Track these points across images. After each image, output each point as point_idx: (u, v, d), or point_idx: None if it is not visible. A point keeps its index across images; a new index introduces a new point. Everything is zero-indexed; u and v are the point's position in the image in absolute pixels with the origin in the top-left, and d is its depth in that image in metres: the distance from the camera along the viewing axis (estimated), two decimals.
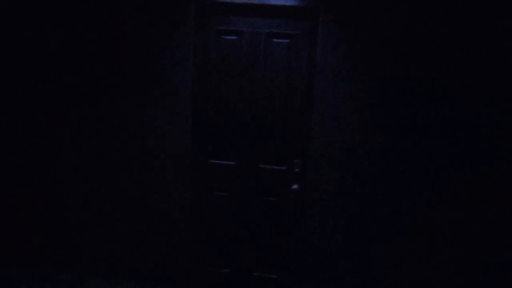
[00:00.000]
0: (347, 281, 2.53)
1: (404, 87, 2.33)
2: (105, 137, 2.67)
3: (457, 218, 2.39)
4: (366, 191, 2.41)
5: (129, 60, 2.57)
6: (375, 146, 2.39)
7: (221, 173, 2.61)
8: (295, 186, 2.46)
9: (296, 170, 2.48)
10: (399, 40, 2.31)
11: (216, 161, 2.61)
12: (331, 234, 2.48)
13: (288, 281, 2.65)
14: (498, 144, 2.31)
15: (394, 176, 2.39)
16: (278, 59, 2.48)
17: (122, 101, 2.62)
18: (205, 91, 2.58)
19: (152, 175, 2.64)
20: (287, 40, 2.47)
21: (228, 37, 2.51)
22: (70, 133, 2.71)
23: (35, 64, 2.66)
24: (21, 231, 2.84)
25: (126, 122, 2.63)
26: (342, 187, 2.43)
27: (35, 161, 2.76)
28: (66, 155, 2.73)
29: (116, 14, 2.53)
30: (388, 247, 2.45)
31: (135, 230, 2.72)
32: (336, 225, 2.47)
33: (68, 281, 2.68)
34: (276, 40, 2.47)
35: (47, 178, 2.77)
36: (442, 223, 2.40)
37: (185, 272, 2.71)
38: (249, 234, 2.63)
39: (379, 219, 2.43)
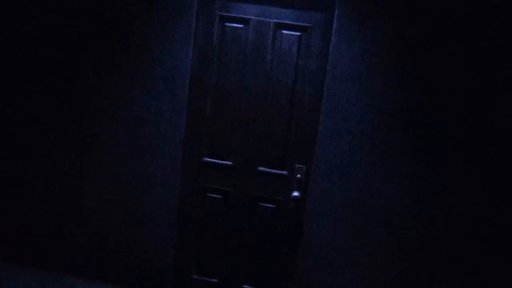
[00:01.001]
0: None
1: (426, 95, 2.12)
2: (83, 124, 2.43)
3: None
4: (376, 204, 2.20)
5: (121, 42, 2.33)
6: (389, 157, 2.17)
7: (216, 173, 2.38)
8: (295, 194, 2.25)
9: (298, 176, 2.26)
10: (424, 41, 2.09)
11: (211, 160, 2.38)
12: (333, 250, 2.27)
13: None
14: None
15: (409, 190, 2.17)
16: (286, 53, 2.25)
17: (111, 86, 2.38)
18: (203, 82, 2.34)
19: (138, 170, 2.41)
20: (297, 33, 2.24)
21: (232, 24, 2.28)
22: (50, 117, 2.46)
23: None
24: None
25: (112, 107, 2.39)
26: (348, 199, 2.21)
27: (13, 149, 2.52)
28: (46, 143, 2.49)
29: None
30: (402, 269, 2.25)
31: (117, 230, 2.49)
32: (340, 240, 2.25)
33: (42, 279, 2.44)
34: (286, 31, 2.25)
35: (24, 169, 2.52)
36: (460, 235, 2.20)
37: (170, 279, 2.49)
38: (243, 243, 2.40)
39: (390, 234, 2.22)
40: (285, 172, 2.31)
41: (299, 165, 2.28)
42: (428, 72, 2.10)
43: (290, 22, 2.23)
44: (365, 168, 2.19)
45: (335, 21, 2.15)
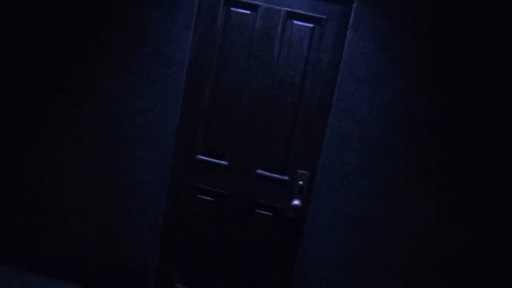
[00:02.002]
0: None
1: (451, 105, 1.90)
2: (64, 111, 2.21)
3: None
4: (384, 221, 1.98)
5: (113, 21, 2.10)
6: (402, 169, 1.95)
7: (210, 173, 2.16)
8: (296, 202, 2.03)
9: (300, 183, 2.05)
10: (452, 44, 1.87)
11: (206, 158, 2.16)
12: (334, 268, 2.05)
13: None
14: None
15: (422, 207, 1.96)
16: (296, 45, 2.04)
17: (98, 69, 2.15)
18: (203, 71, 2.12)
19: (124, 165, 2.19)
20: (310, 25, 2.02)
21: (239, 10, 2.06)
22: (25, 101, 2.24)
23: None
24: None
25: (99, 93, 2.17)
26: (354, 212, 1.99)
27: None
28: (20, 131, 2.26)
29: None
30: None
31: (96, 229, 2.27)
32: (342, 258, 2.03)
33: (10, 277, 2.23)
34: (297, 22, 2.03)
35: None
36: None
37: (151, 285, 2.27)
38: (234, 252, 2.18)
39: (399, 254, 2.00)
40: (286, 178, 2.10)
41: (302, 171, 2.06)
42: (454, 79, 1.88)
43: (303, 12, 2.01)
44: (375, 180, 1.97)
45: (352, 14, 1.93)
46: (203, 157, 2.17)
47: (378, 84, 1.95)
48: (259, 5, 2.03)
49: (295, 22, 2.03)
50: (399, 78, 1.93)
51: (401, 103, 1.93)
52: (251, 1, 2.03)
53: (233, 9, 2.06)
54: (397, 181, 1.96)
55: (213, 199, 2.18)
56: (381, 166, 1.96)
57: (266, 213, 2.12)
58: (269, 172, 2.11)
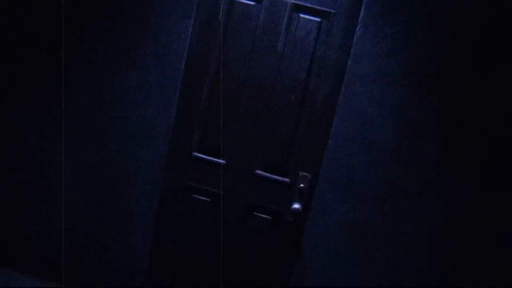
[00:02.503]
0: None
1: (467, 112, 1.80)
2: (54, 102, 2.08)
3: None
4: (388, 231, 1.89)
5: (107, 6, 1.97)
6: (409, 176, 1.86)
7: (206, 172, 2.06)
8: (296, 206, 1.93)
9: (302, 185, 1.95)
10: (470, 45, 1.77)
11: (202, 156, 2.05)
12: (334, 277, 1.96)
13: None
14: None
15: (429, 219, 1.87)
16: (302, 40, 1.92)
17: (90, 58, 2.03)
18: (202, 64, 2.00)
19: (116, 160, 2.07)
20: (317, 19, 1.91)
21: (242, 0, 1.94)
22: (13, 93, 2.10)
23: None
24: None
25: (92, 83, 2.04)
26: (356, 220, 1.90)
27: None
28: (7, 124, 2.13)
29: None
30: None
31: (85, 228, 2.16)
32: (343, 267, 1.94)
33: None
34: (304, 16, 1.91)
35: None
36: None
37: None
38: (229, 256, 2.09)
39: (404, 268, 1.92)
40: (286, 180, 1.99)
41: (304, 173, 1.96)
42: (471, 84, 1.79)
43: (310, 5, 1.90)
44: (380, 187, 1.88)
45: (363, 9, 1.82)
46: (199, 155, 2.06)
47: (388, 85, 1.85)
48: None
49: (301, 15, 1.91)
50: (410, 80, 1.83)
51: (411, 107, 1.83)
52: None
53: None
54: (403, 189, 1.86)
55: (208, 199, 2.07)
56: (387, 172, 1.87)
57: (265, 216, 2.03)
58: (268, 173, 2.01)
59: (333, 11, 1.89)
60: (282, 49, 1.94)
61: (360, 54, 1.85)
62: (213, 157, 2.05)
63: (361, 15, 1.84)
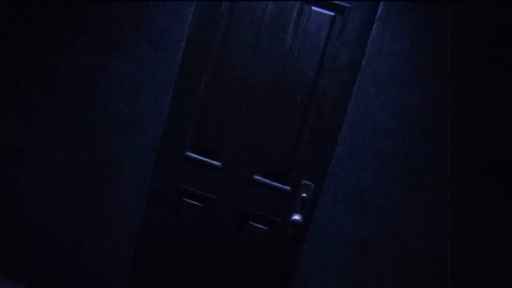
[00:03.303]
0: None
1: (495, 122, 1.63)
2: (33, 87, 1.89)
3: None
4: (397, 250, 1.71)
5: None
6: (424, 191, 1.68)
7: (200, 175, 1.87)
8: (296, 217, 1.75)
9: (304, 195, 1.77)
10: (504, 46, 1.60)
11: (196, 156, 1.87)
12: None
13: None
14: None
15: (443, 237, 1.69)
16: (312, 36, 1.75)
17: (77, 41, 1.84)
18: (202, 54, 1.82)
19: (100, 155, 1.88)
20: (331, 13, 1.74)
21: None
22: None
23: None
24: None
25: (78, 69, 1.86)
26: (363, 237, 1.72)
27: None
28: None
29: None
30: None
31: (63, 229, 1.96)
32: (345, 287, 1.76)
33: None
34: (316, 8, 1.74)
35: None
36: None
37: None
38: (220, 268, 1.89)
39: None
40: (287, 188, 1.81)
41: (307, 182, 1.78)
42: (495, 91, 1.62)
43: None
44: (390, 201, 1.70)
45: (381, 5, 1.66)
46: (193, 155, 1.87)
47: (404, 90, 1.68)
48: None
49: (313, 8, 1.74)
50: (430, 85, 1.66)
51: (429, 115, 1.66)
52: None
53: None
54: (416, 204, 1.69)
55: (200, 205, 1.88)
56: (399, 185, 1.69)
57: (261, 226, 1.84)
58: (268, 179, 1.83)
59: (348, 5, 1.72)
60: (291, 43, 1.77)
61: (375, 54, 1.69)
62: (208, 158, 1.87)
63: (379, 11, 1.68)
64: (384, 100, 1.69)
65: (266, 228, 1.83)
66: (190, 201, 1.89)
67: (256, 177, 1.83)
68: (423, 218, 1.68)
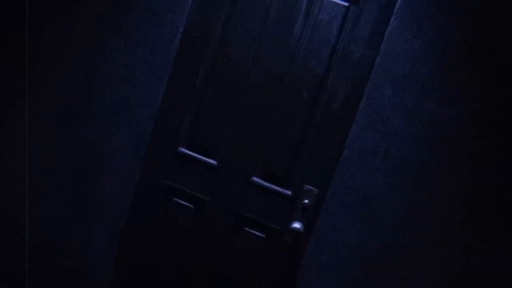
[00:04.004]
0: None
1: None
2: (12, 72, 1.72)
3: None
4: (406, 264, 1.57)
5: None
6: (437, 202, 1.54)
7: (193, 173, 1.71)
8: (297, 225, 1.60)
9: (306, 201, 1.62)
10: None
11: (190, 153, 1.71)
12: None
13: None
14: None
15: (456, 252, 1.55)
16: (323, 28, 1.60)
17: (64, 24, 1.67)
18: (201, 42, 1.66)
19: (84, 148, 1.72)
20: (345, 3, 1.59)
21: None
22: None
23: None
24: None
25: (63, 54, 1.69)
26: (369, 249, 1.57)
27: None
28: None
29: None
30: None
31: (39, 229, 1.79)
32: None
33: None
34: None
35: None
36: None
37: None
38: (210, 277, 1.73)
39: None
40: (288, 192, 1.66)
41: (310, 187, 1.62)
42: None
43: None
44: (399, 212, 1.56)
45: None
46: (186, 151, 1.71)
47: (422, 91, 1.53)
48: None
49: None
50: (449, 88, 1.52)
51: (448, 120, 1.52)
52: None
53: None
54: (430, 217, 1.55)
55: (192, 206, 1.73)
56: (411, 195, 1.55)
57: (257, 233, 1.68)
58: (267, 181, 1.67)
59: None
60: (299, 34, 1.62)
61: (391, 51, 1.54)
62: (203, 156, 1.71)
63: (398, 4, 1.53)
64: (398, 103, 1.55)
65: (263, 235, 1.68)
66: (180, 201, 1.73)
67: (255, 178, 1.68)
68: (435, 236, 1.54)
